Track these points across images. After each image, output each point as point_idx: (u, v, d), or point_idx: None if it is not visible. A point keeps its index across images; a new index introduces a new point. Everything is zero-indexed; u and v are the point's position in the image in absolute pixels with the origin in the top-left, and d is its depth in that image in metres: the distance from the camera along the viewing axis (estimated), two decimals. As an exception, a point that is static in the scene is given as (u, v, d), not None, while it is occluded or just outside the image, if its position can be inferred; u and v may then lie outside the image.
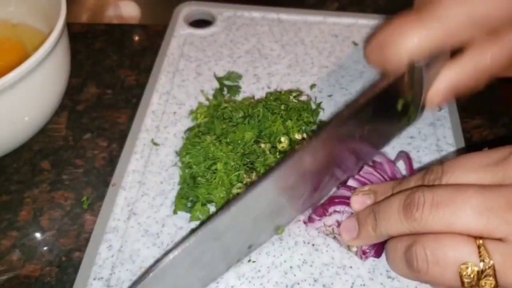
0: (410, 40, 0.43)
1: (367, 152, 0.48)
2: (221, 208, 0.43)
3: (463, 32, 0.43)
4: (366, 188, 0.43)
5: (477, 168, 0.37)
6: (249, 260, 0.44)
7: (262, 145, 0.48)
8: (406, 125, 0.48)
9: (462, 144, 0.52)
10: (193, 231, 0.44)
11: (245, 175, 0.46)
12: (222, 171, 0.46)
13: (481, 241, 0.34)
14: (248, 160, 0.47)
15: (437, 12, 0.42)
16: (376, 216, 0.40)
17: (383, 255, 0.43)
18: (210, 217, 0.41)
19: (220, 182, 0.45)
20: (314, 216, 0.45)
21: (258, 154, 0.47)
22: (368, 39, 0.48)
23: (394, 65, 0.44)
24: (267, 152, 0.48)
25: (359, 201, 0.43)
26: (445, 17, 0.42)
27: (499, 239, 0.34)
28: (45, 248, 0.46)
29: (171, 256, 0.36)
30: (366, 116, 0.43)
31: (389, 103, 0.45)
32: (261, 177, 0.39)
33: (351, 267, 0.43)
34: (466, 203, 0.34)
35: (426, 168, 0.40)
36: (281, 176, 0.39)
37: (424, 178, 0.39)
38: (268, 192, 0.39)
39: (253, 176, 0.47)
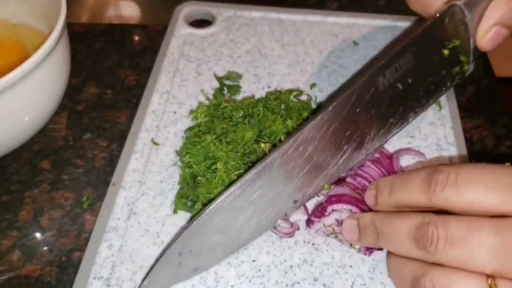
0: None
1: (416, 104, 0.45)
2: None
3: None
4: (372, 184, 0.43)
5: (502, 188, 0.34)
6: (252, 260, 0.44)
7: (262, 145, 0.48)
8: (460, 74, 0.46)
9: (462, 144, 0.52)
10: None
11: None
12: (222, 170, 0.46)
13: (493, 281, 0.33)
14: (248, 159, 0.47)
15: None
16: (379, 234, 0.39)
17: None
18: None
19: (220, 182, 0.45)
20: (313, 218, 0.45)
21: (258, 153, 0.47)
22: None
23: (434, 5, 0.43)
24: (267, 151, 0.48)
25: (368, 198, 0.42)
26: None
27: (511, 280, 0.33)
28: (45, 248, 0.46)
29: (227, 191, 0.38)
30: (407, 63, 0.41)
31: (434, 50, 0.43)
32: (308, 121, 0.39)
33: (351, 266, 0.43)
34: (481, 245, 0.33)
35: (434, 166, 0.38)
36: (324, 123, 0.39)
37: (432, 177, 0.36)
38: (313, 140, 0.39)
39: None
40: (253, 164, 0.47)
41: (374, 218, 0.40)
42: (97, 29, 0.68)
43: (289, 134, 0.49)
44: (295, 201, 0.43)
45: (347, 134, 0.42)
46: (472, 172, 0.35)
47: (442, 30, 0.42)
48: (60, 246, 0.46)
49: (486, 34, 0.43)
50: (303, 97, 0.57)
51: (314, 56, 0.62)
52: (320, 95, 0.57)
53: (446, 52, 0.44)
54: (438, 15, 0.42)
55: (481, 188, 0.34)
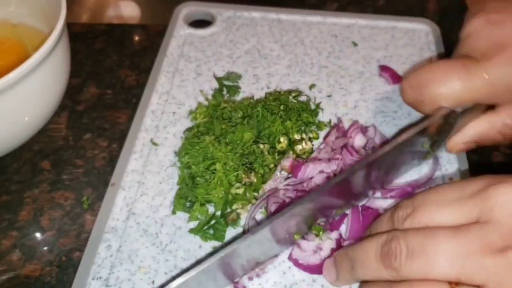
0: (451, 88, 0.42)
1: (380, 183, 0.47)
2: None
3: (505, 97, 0.42)
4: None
5: (452, 203, 0.34)
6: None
7: (261, 146, 0.48)
8: (424, 160, 0.49)
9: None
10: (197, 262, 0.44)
11: (244, 175, 0.46)
12: (221, 171, 0.46)
13: None
14: (247, 160, 0.47)
15: (486, 70, 0.41)
16: (353, 263, 0.38)
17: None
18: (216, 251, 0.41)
19: (219, 183, 0.46)
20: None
21: (257, 154, 0.48)
22: (406, 75, 0.48)
23: (428, 107, 0.44)
24: (266, 153, 0.48)
25: (332, 273, 0.41)
26: (492, 79, 0.41)
27: (478, 286, 0.32)
28: (45, 248, 0.46)
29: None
30: (393, 156, 0.43)
31: (416, 142, 0.45)
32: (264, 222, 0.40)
33: (349, 267, 0.43)
34: (438, 251, 0.32)
35: (395, 204, 0.38)
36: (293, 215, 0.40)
37: (393, 216, 0.37)
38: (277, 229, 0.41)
39: (252, 176, 0.47)
40: (252, 164, 0.47)
41: (347, 248, 0.39)
42: (97, 29, 0.68)
43: (288, 135, 0.49)
44: (257, 264, 0.43)
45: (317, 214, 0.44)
46: (423, 199, 0.36)
47: (431, 128, 0.44)
48: (60, 246, 0.46)
49: (456, 146, 0.46)
50: (302, 98, 0.57)
51: (313, 57, 0.62)
52: (319, 96, 0.57)
53: (426, 145, 0.46)
54: (435, 115, 0.43)
55: (432, 210, 0.35)
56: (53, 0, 0.50)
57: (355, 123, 0.53)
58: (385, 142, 0.51)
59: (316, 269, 0.43)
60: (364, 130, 0.52)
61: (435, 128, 0.44)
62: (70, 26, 0.52)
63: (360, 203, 0.46)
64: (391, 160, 0.44)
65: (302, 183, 0.47)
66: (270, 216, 0.43)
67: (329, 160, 0.48)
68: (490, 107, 0.45)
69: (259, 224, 0.45)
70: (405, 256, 0.34)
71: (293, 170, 0.48)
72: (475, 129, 0.45)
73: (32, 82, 0.44)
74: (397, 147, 0.42)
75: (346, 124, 0.54)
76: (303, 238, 0.43)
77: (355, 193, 0.45)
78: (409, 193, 0.47)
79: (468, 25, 0.45)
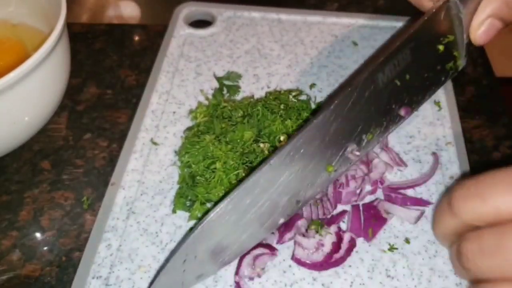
0: None
1: (413, 100, 0.45)
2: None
3: None
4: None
5: None
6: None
7: (261, 145, 0.48)
8: (454, 69, 0.46)
9: (462, 144, 0.52)
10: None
11: (244, 174, 0.46)
12: (221, 170, 0.46)
13: None
14: (247, 159, 0.47)
15: None
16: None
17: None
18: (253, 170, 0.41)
19: (219, 181, 0.45)
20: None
21: (257, 153, 0.47)
22: None
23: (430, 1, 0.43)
24: (266, 152, 0.48)
25: None
26: None
27: None
28: (45, 248, 0.46)
29: (217, 208, 0.37)
30: (405, 59, 0.41)
31: (429, 45, 0.43)
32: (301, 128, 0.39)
33: (350, 266, 0.43)
34: None
35: (455, 188, 0.37)
36: (325, 122, 0.39)
37: (457, 206, 0.36)
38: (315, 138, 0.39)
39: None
40: (252, 163, 0.47)
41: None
42: (97, 29, 0.68)
43: (288, 134, 0.49)
44: (298, 202, 0.42)
45: (347, 132, 0.41)
46: (495, 236, 0.35)
47: (437, 26, 0.42)
48: (60, 246, 0.46)
49: (479, 27, 0.43)
50: (303, 97, 0.57)
51: (313, 57, 0.62)
52: (319, 95, 0.57)
53: (441, 47, 0.44)
54: (433, 10, 0.42)
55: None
56: (53, 0, 0.50)
57: None
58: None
59: (320, 266, 0.43)
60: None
61: (445, 27, 0.43)
62: (70, 26, 0.52)
63: (392, 127, 0.44)
64: (409, 59, 0.42)
65: None
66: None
67: None
68: None
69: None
70: (477, 255, 0.34)
71: None
72: (487, 4, 0.42)
73: (32, 82, 0.44)
74: (407, 41, 0.41)
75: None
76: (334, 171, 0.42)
77: (383, 107, 0.42)
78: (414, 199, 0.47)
79: None
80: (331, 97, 0.44)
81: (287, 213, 0.41)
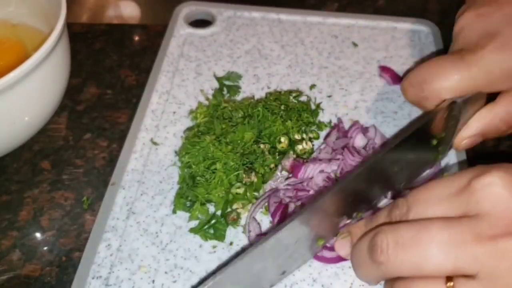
0: (451, 79, 0.43)
1: (395, 186, 0.47)
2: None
3: (503, 83, 0.43)
4: (344, 231, 0.42)
5: (441, 200, 0.35)
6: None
7: (262, 146, 0.48)
8: (434, 161, 0.48)
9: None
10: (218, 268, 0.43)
11: (244, 175, 0.46)
12: (221, 171, 0.46)
13: (451, 284, 0.32)
14: (247, 160, 0.47)
15: (481, 59, 0.43)
16: (352, 263, 0.39)
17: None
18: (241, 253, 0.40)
19: (219, 182, 0.45)
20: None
21: (258, 154, 0.48)
22: (405, 75, 0.49)
23: (432, 102, 0.45)
24: (266, 153, 0.48)
25: (342, 247, 0.41)
26: (488, 65, 0.42)
27: (471, 276, 0.32)
28: (45, 248, 0.46)
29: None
30: (402, 152, 0.43)
31: (424, 140, 0.45)
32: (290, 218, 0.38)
33: (350, 267, 0.43)
34: (432, 242, 0.32)
35: (392, 202, 0.38)
36: (310, 216, 0.39)
37: (391, 214, 0.37)
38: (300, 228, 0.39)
39: (252, 176, 0.47)
40: (252, 165, 0.47)
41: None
42: (97, 29, 0.68)
43: (289, 136, 0.49)
44: (283, 272, 0.42)
45: (341, 211, 0.42)
46: (417, 198, 0.36)
47: (437, 123, 0.44)
48: (60, 246, 0.46)
49: (464, 140, 0.46)
50: (303, 98, 0.57)
51: (313, 57, 0.62)
52: (319, 96, 0.57)
53: (434, 142, 0.45)
54: (438, 110, 0.44)
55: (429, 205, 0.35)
56: (53, 0, 0.50)
57: (355, 123, 0.53)
58: (387, 141, 0.51)
59: (335, 260, 0.43)
60: (364, 130, 0.52)
61: (441, 125, 0.44)
62: (70, 26, 0.52)
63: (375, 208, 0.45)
64: (400, 157, 0.43)
65: (303, 183, 0.47)
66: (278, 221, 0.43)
67: (329, 160, 0.48)
68: (492, 98, 0.45)
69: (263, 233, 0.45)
70: (393, 248, 0.34)
71: (293, 170, 0.48)
72: (479, 121, 0.45)
73: (32, 82, 0.44)
74: (403, 142, 0.42)
75: (346, 125, 0.54)
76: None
77: (368, 196, 0.44)
78: None
79: (459, 21, 0.47)
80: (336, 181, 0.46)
81: (271, 283, 0.42)
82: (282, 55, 0.62)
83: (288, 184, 0.47)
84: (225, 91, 0.58)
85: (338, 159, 0.48)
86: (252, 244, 0.44)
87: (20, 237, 0.47)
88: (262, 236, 0.45)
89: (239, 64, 0.61)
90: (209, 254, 0.44)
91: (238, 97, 0.57)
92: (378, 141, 0.51)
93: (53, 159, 0.53)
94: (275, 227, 0.39)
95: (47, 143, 0.55)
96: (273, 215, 0.46)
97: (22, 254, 0.46)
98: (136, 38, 0.67)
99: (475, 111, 0.45)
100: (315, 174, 0.47)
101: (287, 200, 0.46)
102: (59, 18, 0.47)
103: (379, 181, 0.44)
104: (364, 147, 0.50)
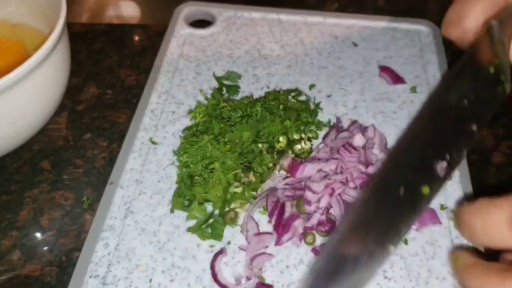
0: (483, 2, 0.43)
1: (475, 122, 0.43)
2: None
3: None
4: None
5: None
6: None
7: (260, 145, 0.48)
8: (503, 93, 0.45)
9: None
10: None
11: (242, 175, 0.46)
12: (219, 170, 0.46)
13: None
14: (245, 159, 0.47)
15: None
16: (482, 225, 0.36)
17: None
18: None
19: (217, 181, 0.46)
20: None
21: (256, 154, 0.48)
22: (444, 18, 0.47)
23: (473, 31, 0.44)
24: (264, 152, 0.48)
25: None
26: None
27: None
28: (45, 248, 0.47)
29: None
30: (467, 81, 0.42)
31: (481, 70, 0.43)
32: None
33: (348, 266, 0.43)
34: None
35: None
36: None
37: None
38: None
39: (251, 175, 0.47)
40: (250, 164, 0.47)
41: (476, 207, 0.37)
42: (97, 29, 0.68)
43: (287, 134, 0.49)
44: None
45: (432, 151, 0.40)
46: None
47: (484, 50, 0.43)
48: (60, 246, 0.47)
49: None
50: (302, 98, 0.57)
51: (313, 57, 0.62)
52: (319, 96, 0.57)
53: (491, 69, 0.43)
54: (479, 38, 0.43)
55: None
56: (53, 0, 0.50)
57: (354, 122, 0.53)
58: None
59: None
60: (363, 130, 0.52)
61: (490, 52, 0.43)
62: (70, 26, 0.52)
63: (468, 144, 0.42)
64: (463, 90, 0.42)
65: (301, 182, 0.47)
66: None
67: (327, 159, 0.48)
68: None
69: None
70: None
71: (291, 170, 0.48)
72: None
73: (32, 82, 0.45)
74: (458, 74, 0.41)
75: (345, 124, 0.54)
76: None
77: (450, 135, 0.41)
78: None
79: None
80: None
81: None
82: (282, 55, 0.62)
83: (286, 184, 0.47)
84: (224, 91, 0.58)
85: (337, 158, 0.48)
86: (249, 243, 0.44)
87: (20, 237, 0.47)
88: (260, 235, 0.45)
89: (239, 64, 0.61)
90: (206, 254, 0.44)
91: (237, 97, 0.57)
92: (377, 141, 0.51)
93: (53, 159, 0.53)
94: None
95: (47, 143, 0.55)
96: (271, 215, 0.46)
97: (22, 254, 0.46)
98: (136, 38, 0.67)
99: None
100: (313, 174, 0.47)
101: (285, 199, 0.46)
102: (59, 18, 0.47)
103: (454, 118, 0.41)
104: (363, 147, 0.50)
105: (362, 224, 0.35)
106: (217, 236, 0.45)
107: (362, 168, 0.48)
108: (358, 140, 0.50)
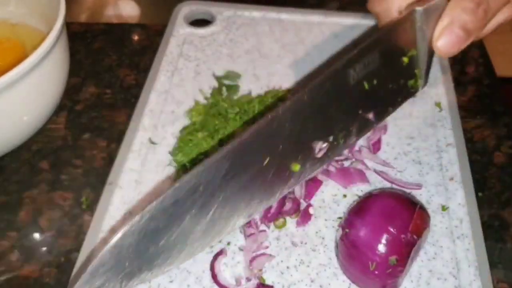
0: None
1: (378, 108, 0.42)
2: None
3: None
4: None
5: None
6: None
7: None
8: (414, 88, 0.44)
9: (462, 145, 0.52)
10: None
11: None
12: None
13: None
14: None
15: None
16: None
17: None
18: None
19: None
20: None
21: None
22: None
23: (396, 9, 0.42)
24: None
25: None
26: None
27: None
28: (44, 248, 0.46)
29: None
30: (373, 62, 0.39)
31: (394, 55, 0.41)
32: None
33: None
34: None
35: None
36: (297, 108, 0.35)
37: None
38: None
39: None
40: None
41: None
42: (96, 29, 0.68)
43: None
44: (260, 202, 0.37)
45: (316, 128, 0.38)
46: None
47: (402, 36, 0.41)
48: (59, 247, 0.46)
49: (440, 37, 0.41)
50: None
51: (314, 57, 0.62)
52: (319, 95, 0.57)
53: (405, 59, 0.42)
54: (399, 19, 0.40)
55: None
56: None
57: None
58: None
59: None
60: None
61: (408, 39, 0.41)
62: (69, 25, 0.52)
63: (360, 133, 0.41)
64: (377, 63, 0.40)
65: None
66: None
67: None
68: None
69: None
70: None
71: None
72: (451, 9, 0.40)
73: (30, 82, 0.44)
74: (375, 43, 0.39)
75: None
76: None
77: (342, 118, 0.40)
78: None
79: None
80: (300, 85, 0.41)
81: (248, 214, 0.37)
82: (282, 55, 0.62)
83: None
84: (224, 90, 0.57)
85: None
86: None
87: (18, 238, 0.47)
88: (254, 234, 0.44)
89: (239, 64, 0.61)
90: (206, 254, 0.44)
91: (237, 97, 0.57)
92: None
93: (52, 159, 0.53)
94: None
95: (46, 143, 0.54)
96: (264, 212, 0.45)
97: (20, 255, 0.46)
98: (136, 37, 0.67)
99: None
100: None
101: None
102: (58, 17, 0.47)
103: (349, 99, 0.39)
104: None
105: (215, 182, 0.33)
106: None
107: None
108: None
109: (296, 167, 0.37)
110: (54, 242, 0.47)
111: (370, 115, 0.41)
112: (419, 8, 0.40)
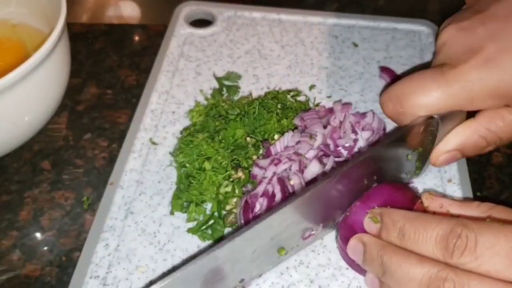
0: (431, 96, 0.42)
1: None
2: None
3: (484, 101, 0.41)
4: (377, 211, 0.40)
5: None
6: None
7: (248, 139, 0.48)
8: (411, 176, 0.48)
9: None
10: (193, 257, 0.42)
11: (233, 172, 0.46)
12: (210, 171, 0.46)
13: None
14: (235, 156, 0.47)
15: (462, 75, 0.41)
16: (385, 271, 0.37)
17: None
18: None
19: (211, 182, 0.45)
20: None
21: (246, 149, 0.48)
22: (384, 88, 0.47)
23: (409, 118, 0.43)
24: (250, 146, 0.48)
25: (372, 228, 0.40)
26: (470, 82, 0.40)
27: None
28: (45, 248, 0.47)
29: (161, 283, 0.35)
30: (377, 164, 0.42)
31: (401, 153, 0.44)
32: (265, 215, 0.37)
33: (347, 268, 0.43)
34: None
35: (449, 222, 0.35)
36: (287, 213, 0.38)
37: (450, 242, 0.34)
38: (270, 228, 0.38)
39: (239, 172, 0.46)
40: (240, 162, 0.47)
41: (382, 254, 0.37)
42: (97, 29, 0.68)
43: (282, 133, 0.49)
44: (242, 280, 0.41)
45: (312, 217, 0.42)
46: (492, 242, 0.34)
47: (412, 137, 0.44)
48: (60, 246, 0.47)
49: (442, 155, 0.44)
50: (301, 98, 0.57)
51: (313, 57, 0.62)
52: (319, 96, 0.57)
53: (409, 157, 0.45)
54: (416, 122, 0.43)
55: (500, 261, 0.33)
56: (53, 0, 0.50)
57: (347, 105, 0.53)
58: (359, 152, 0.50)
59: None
60: (361, 116, 0.51)
61: (418, 139, 0.44)
62: (70, 26, 0.52)
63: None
64: (374, 169, 0.43)
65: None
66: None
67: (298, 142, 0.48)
68: (471, 115, 0.44)
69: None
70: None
71: (266, 152, 0.48)
72: (456, 136, 0.44)
73: (32, 82, 0.45)
74: (375, 153, 0.42)
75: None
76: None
77: (338, 206, 0.43)
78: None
79: (441, 35, 0.45)
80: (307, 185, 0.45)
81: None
82: (282, 55, 0.62)
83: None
84: (224, 91, 0.58)
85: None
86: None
87: (20, 237, 0.47)
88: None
89: (239, 64, 0.61)
90: (207, 255, 0.44)
91: (237, 97, 0.57)
92: (375, 125, 0.50)
93: (53, 159, 0.53)
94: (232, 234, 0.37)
95: (47, 143, 0.55)
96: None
97: (22, 254, 0.46)
98: (136, 38, 0.67)
99: (453, 127, 0.44)
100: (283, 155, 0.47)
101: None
102: (59, 18, 0.47)
103: (351, 191, 0.43)
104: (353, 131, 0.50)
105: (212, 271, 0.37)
106: (218, 237, 0.45)
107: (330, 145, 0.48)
108: (319, 137, 0.49)
109: (282, 251, 0.41)
110: (56, 241, 0.47)
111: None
112: (436, 117, 0.42)
